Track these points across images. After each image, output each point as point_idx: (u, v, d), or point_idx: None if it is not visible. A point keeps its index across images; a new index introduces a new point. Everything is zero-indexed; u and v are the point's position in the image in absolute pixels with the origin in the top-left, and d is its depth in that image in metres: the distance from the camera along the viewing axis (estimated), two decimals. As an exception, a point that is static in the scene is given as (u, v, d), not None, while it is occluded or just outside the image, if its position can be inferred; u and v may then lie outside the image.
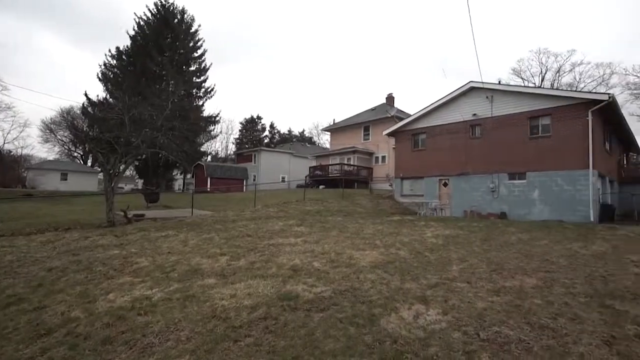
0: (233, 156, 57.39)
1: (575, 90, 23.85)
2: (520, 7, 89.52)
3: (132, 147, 13.90)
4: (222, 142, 70.11)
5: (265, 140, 74.50)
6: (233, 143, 71.76)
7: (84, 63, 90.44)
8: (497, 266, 6.64)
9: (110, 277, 6.34)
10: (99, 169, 36.31)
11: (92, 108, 35.72)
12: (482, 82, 17.77)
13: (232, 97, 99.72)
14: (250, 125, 74.50)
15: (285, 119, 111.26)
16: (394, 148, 23.50)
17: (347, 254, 7.69)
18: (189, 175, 44.01)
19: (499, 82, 22.07)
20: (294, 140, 69.24)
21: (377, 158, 31.51)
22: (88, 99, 36.27)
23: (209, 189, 33.51)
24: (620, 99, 19.61)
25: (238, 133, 73.32)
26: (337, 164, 30.87)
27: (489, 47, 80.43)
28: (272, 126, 78.55)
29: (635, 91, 23.93)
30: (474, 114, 18.12)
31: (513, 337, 3.74)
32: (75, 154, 57.68)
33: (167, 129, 15.65)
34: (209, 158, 60.66)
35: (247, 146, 65.31)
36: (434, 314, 4.38)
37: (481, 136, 17.97)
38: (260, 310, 4.55)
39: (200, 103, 42.43)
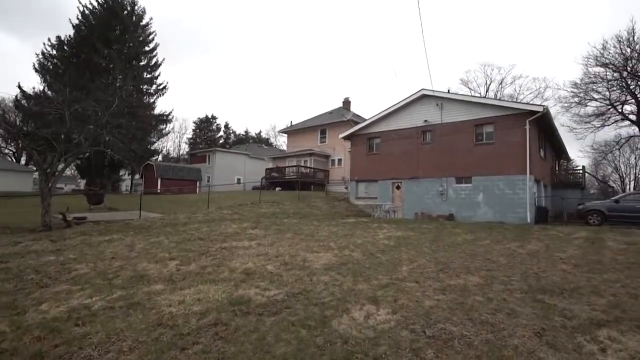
0: (186, 156, 55.38)
1: (515, 102, 25.77)
2: (469, 22, 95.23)
3: (73, 144, 12.94)
4: (174, 142, 67.38)
5: (220, 141, 72.70)
6: (186, 143, 69.29)
7: (17, 51, 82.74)
8: (444, 266, 6.98)
9: (43, 286, 5.83)
10: (35, 168, 33.39)
11: (26, 101, 32.73)
12: (433, 90, 18.65)
13: (186, 96, 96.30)
14: (205, 125, 72.33)
15: (241, 119, 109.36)
16: (349, 151, 23.92)
17: (302, 256, 7.70)
18: (137, 176, 41.75)
19: (449, 91, 23.29)
20: (251, 141, 68.27)
21: (333, 161, 31.90)
22: (22, 91, 33.23)
23: (159, 191, 32.04)
24: (553, 111, 21.51)
25: (192, 133, 70.90)
26: (293, 166, 30.83)
27: (441, 57, 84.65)
28: (227, 126, 76.88)
29: (565, 104, 26.28)
30: (425, 121, 18.95)
31: (456, 333, 3.94)
32: (6, 151, 52.57)
33: (114, 127, 14.76)
34: (160, 158, 58.05)
35: (201, 146, 63.32)
36: (384, 314, 4.50)
37: (432, 142, 18.82)
38: (210, 316, 4.42)
39: (151, 100, 40.49)
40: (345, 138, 23.25)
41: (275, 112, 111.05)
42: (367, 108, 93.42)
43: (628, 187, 49.63)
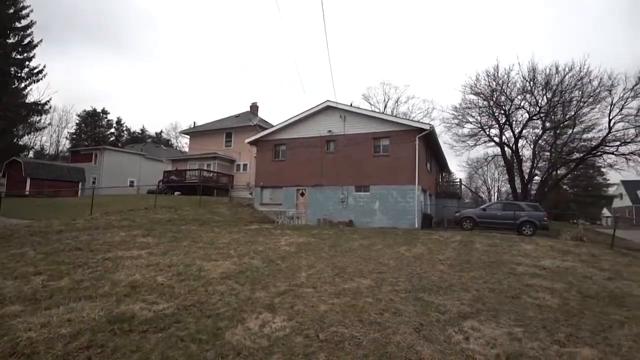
0: (67, 154, 48.22)
1: (408, 119, 28.57)
2: (373, 42, 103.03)
3: None
4: (52, 137, 58.19)
5: (111, 139, 65.17)
6: (67, 138, 60.38)
7: None
8: (340, 270, 7.29)
9: None
10: None
11: None
12: (337, 103, 19.61)
13: (72, 86, 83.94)
14: (92, 120, 64.02)
15: (138, 116, 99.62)
16: (255, 157, 23.64)
17: (198, 265, 7.28)
18: (-2, 175, 34.78)
19: (351, 104, 24.72)
20: (148, 140, 62.68)
21: (238, 166, 31.13)
22: None
23: (27, 192, 27.22)
24: (438, 130, 24.50)
25: (75, 127, 62.04)
26: (195, 170, 29.20)
27: (346, 72, 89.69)
28: (120, 123, 69.30)
29: (447, 124, 30.07)
30: (329, 131, 19.78)
31: (347, 335, 4.12)
32: None
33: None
34: (31, 154, 49.52)
35: (86, 143, 55.83)
36: (280, 321, 4.49)
37: (335, 151, 19.71)
38: (83, 339, 3.86)
39: (22, 86, 34.39)
40: (252, 143, 22.92)
41: (178, 112, 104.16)
42: (274, 115, 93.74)
43: (493, 197, 58.87)
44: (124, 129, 70.34)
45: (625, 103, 23.29)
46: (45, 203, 21.05)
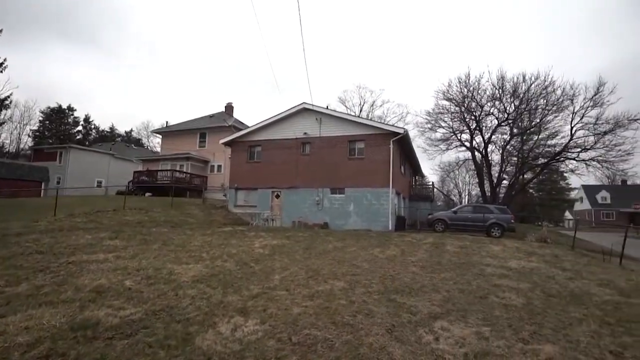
0: (29, 152, 45.80)
1: (383, 123, 28.98)
2: (349, 46, 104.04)
3: None
4: (12, 134, 55.16)
5: (78, 137, 62.48)
6: (30, 136, 57.40)
7: None
8: (314, 272, 7.29)
9: None
10: None
11: None
12: (313, 105, 19.63)
13: (35, 82, 79.82)
14: (58, 117, 61.12)
15: (107, 114, 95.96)
16: (230, 158, 23.29)
17: (168, 269, 7.07)
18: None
19: (327, 107, 24.90)
20: (118, 140, 60.56)
21: (212, 167, 30.56)
22: None
23: (-17, 193, 25.60)
24: (412, 134, 25.03)
25: (38, 124, 59.06)
26: (167, 170, 28.42)
27: (323, 74, 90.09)
28: (88, 121, 66.54)
29: (421, 129, 30.74)
30: (305, 133, 19.77)
31: (320, 337, 4.12)
32: None
33: None
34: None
35: (50, 141, 53.20)
36: (252, 325, 4.43)
37: (310, 153, 19.70)
38: (42, 347, 3.67)
39: (-22, 79, 32.35)
40: (226, 144, 22.56)
41: (150, 111, 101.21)
42: (249, 116, 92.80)
43: (464, 200, 60.65)
44: (92, 127, 67.63)
45: (585, 112, 24.62)
46: (3, 204, 19.88)
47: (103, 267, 7.02)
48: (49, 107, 60.27)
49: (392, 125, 22.59)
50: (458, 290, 6.29)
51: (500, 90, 26.87)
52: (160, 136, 35.77)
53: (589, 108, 24.42)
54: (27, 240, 9.51)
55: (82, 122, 65.73)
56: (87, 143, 57.24)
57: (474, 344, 4.05)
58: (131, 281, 6.14)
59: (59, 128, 61.01)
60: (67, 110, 62.51)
